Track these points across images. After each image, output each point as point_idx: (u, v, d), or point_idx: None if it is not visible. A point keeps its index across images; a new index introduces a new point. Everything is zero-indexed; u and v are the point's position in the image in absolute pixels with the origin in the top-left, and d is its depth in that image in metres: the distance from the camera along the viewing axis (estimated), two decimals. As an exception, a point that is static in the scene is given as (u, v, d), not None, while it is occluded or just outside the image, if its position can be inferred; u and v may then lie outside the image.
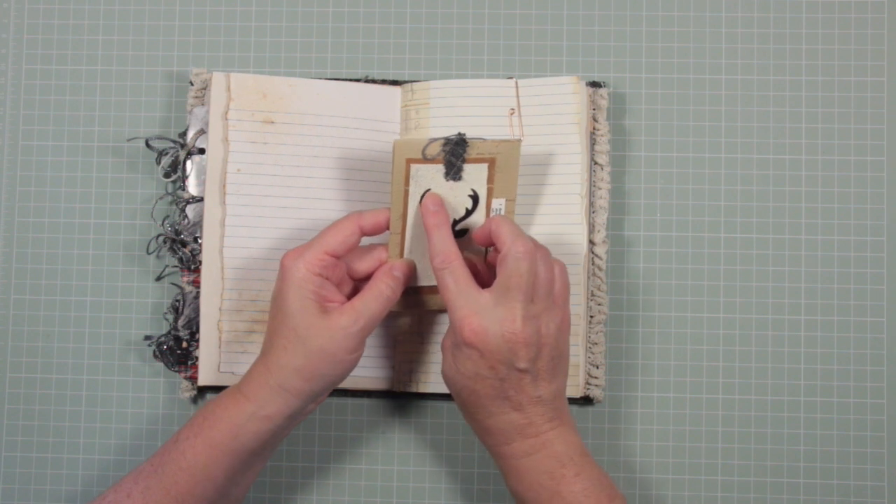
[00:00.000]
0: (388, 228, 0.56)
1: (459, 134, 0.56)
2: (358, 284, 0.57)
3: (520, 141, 0.56)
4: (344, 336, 0.52)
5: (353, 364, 0.54)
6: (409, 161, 0.56)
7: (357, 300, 0.54)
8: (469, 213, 0.57)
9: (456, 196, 0.57)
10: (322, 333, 0.52)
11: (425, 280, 0.58)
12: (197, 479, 0.53)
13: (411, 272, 0.57)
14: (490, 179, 0.57)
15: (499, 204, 0.57)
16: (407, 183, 0.56)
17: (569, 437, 0.54)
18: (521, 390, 0.53)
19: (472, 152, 0.56)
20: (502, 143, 0.56)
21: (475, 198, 0.57)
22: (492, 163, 0.56)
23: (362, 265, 0.57)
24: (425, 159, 0.56)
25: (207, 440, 0.53)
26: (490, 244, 0.56)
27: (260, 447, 0.54)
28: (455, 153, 0.56)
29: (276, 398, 0.53)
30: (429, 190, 0.56)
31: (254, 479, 0.57)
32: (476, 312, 0.52)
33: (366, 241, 0.57)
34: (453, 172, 0.56)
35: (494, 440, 0.54)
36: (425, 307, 0.60)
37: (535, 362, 0.52)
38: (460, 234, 0.58)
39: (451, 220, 0.57)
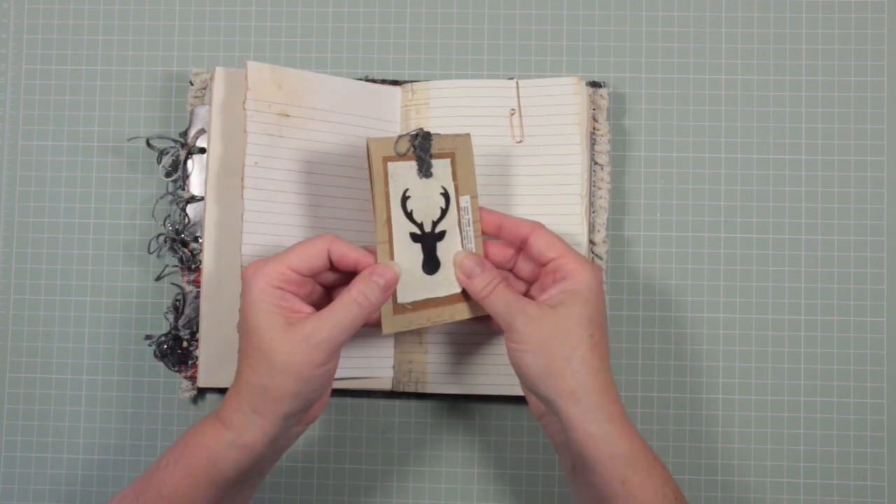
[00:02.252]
0: (355, 270, 0.53)
1: (420, 129, 0.55)
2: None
3: (468, 135, 0.56)
4: (306, 348, 0.48)
5: (325, 379, 0.50)
6: (386, 159, 0.54)
7: (326, 309, 0.50)
8: (444, 212, 0.55)
9: (430, 195, 0.55)
10: (284, 348, 0.48)
11: (415, 294, 0.54)
12: None
13: (395, 279, 0.52)
14: (455, 175, 0.56)
15: (465, 202, 0.56)
16: (387, 184, 0.54)
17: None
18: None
19: (435, 147, 0.55)
20: (457, 138, 0.56)
21: (446, 195, 0.55)
22: (452, 158, 0.55)
23: (332, 275, 0.54)
24: (398, 156, 0.54)
25: (187, 468, 0.50)
26: (518, 244, 0.55)
27: (242, 476, 0.51)
28: (423, 147, 0.55)
29: (252, 424, 0.50)
30: (407, 190, 0.54)
31: None
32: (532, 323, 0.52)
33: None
34: (424, 169, 0.55)
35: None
36: (412, 326, 0.55)
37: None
38: (440, 236, 0.55)
39: (431, 223, 0.55)
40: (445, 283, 0.55)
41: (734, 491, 0.63)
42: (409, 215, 0.54)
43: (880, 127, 0.65)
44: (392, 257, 0.54)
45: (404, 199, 0.54)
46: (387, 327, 0.54)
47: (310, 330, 0.49)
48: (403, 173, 0.54)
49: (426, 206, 0.55)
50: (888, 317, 0.64)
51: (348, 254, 0.52)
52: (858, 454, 0.63)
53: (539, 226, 0.55)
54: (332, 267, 0.53)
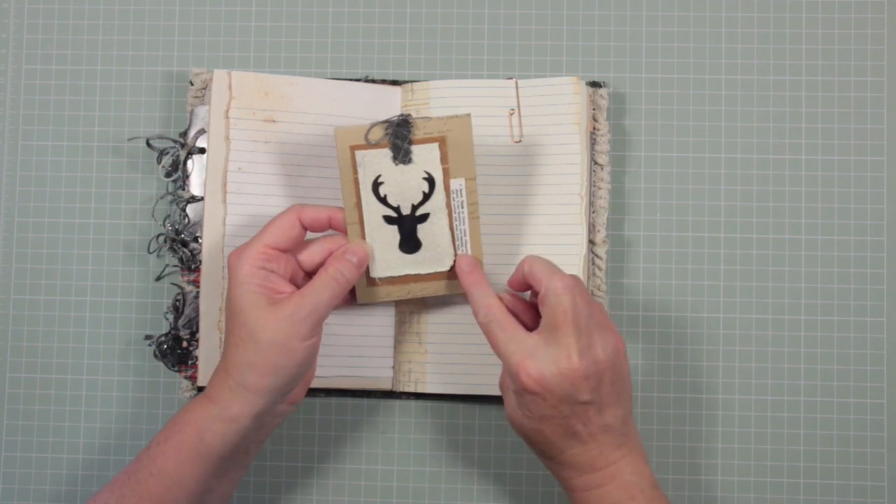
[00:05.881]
0: (329, 227, 0.56)
1: (401, 115, 0.55)
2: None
3: (469, 115, 0.55)
4: (291, 324, 0.51)
5: (309, 353, 0.53)
6: (353, 148, 0.55)
7: (306, 287, 0.53)
8: (427, 196, 0.56)
9: (409, 180, 0.56)
10: (270, 325, 0.51)
11: (391, 270, 0.58)
12: (167, 484, 0.52)
13: (366, 256, 0.56)
14: (444, 159, 0.56)
15: (458, 184, 0.56)
16: (355, 171, 0.55)
17: (639, 467, 0.53)
18: (588, 421, 0.52)
19: (418, 132, 0.55)
20: (451, 120, 0.55)
21: (430, 180, 0.56)
22: (442, 141, 0.55)
23: (311, 257, 0.56)
24: (370, 144, 0.55)
25: (175, 444, 0.52)
26: (527, 288, 0.56)
27: (229, 451, 0.53)
28: (399, 135, 0.55)
29: (238, 397, 0.52)
30: (379, 176, 0.56)
31: (232, 489, 0.56)
32: (530, 357, 0.51)
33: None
34: (401, 155, 0.55)
35: (568, 474, 0.54)
36: (390, 297, 0.59)
37: (598, 391, 0.52)
38: (422, 218, 0.57)
39: (410, 206, 0.57)
40: (429, 261, 0.58)
41: (734, 491, 0.63)
42: (383, 199, 0.56)
43: (880, 127, 0.65)
44: (363, 237, 0.57)
45: (376, 184, 0.56)
46: (361, 297, 0.59)
47: (293, 307, 0.52)
48: (375, 161, 0.56)
49: (404, 190, 0.56)
50: (888, 317, 0.64)
51: (318, 214, 0.55)
52: (858, 454, 0.63)
53: (527, 259, 0.55)
54: (307, 231, 0.56)
